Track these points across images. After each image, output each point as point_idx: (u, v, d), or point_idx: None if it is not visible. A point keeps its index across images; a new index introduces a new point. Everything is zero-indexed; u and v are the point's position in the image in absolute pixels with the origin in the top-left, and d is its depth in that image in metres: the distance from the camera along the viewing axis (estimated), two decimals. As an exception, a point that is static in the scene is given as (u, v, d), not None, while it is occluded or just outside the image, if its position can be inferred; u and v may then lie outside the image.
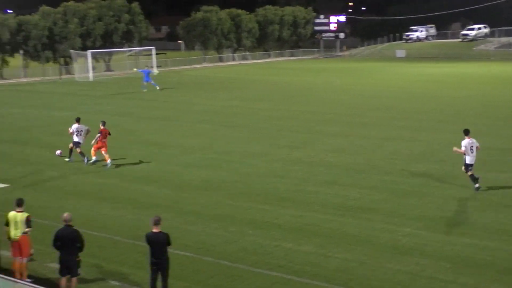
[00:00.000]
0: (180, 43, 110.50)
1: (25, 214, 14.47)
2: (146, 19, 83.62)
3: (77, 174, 24.59)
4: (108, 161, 25.60)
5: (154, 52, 73.01)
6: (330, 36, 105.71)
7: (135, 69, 59.43)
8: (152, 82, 52.07)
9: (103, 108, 42.95)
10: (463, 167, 21.18)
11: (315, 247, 16.39)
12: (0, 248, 14.83)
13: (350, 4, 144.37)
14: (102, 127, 25.94)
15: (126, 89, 55.01)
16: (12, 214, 14.54)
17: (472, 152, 20.84)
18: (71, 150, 26.64)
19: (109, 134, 26.10)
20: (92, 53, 66.88)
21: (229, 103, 44.50)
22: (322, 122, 36.13)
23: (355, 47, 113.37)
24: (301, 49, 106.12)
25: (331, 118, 37.40)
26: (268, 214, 19.21)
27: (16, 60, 71.26)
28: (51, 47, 71.61)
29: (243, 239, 17.10)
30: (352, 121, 36.21)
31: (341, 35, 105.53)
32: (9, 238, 14.58)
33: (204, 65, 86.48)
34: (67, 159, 26.61)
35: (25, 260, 14.47)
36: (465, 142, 20.92)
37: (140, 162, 26.43)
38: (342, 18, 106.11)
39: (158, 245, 13.19)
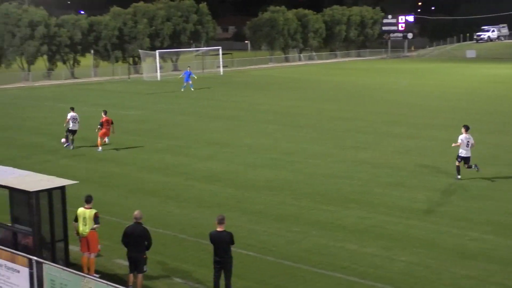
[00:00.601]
0: (246, 43, 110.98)
1: (93, 211, 14.78)
2: (214, 20, 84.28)
3: (142, 172, 24.97)
4: (100, 148, 29.09)
5: (220, 52, 73.57)
6: (398, 36, 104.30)
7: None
8: (191, 82, 53.64)
9: (170, 107, 43.51)
10: (457, 159, 23.05)
11: (380, 249, 16.19)
12: (69, 243, 15.16)
13: (419, 3, 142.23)
14: (104, 116, 29.32)
15: (193, 89, 55.54)
16: (81, 210, 14.88)
17: (467, 147, 22.82)
18: (67, 137, 29.97)
19: (112, 122, 29.46)
20: (160, 53, 67.85)
21: (294, 103, 44.43)
22: (388, 123, 35.67)
23: (423, 47, 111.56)
24: (368, 50, 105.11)
25: (397, 119, 36.88)
26: (332, 215, 19.07)
27: (87, 60, 72.93)
28: (120, 47, 73.01)
29: (306, 240, 17.03)
30: (419, 123, 35.64)
31: (409, 35, 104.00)
32: (77, 233, 14.93)
33: (270, 65, 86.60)
34: (66, 145, 29.88)
35: (92, 255, 14.78)
36: (463, 136, 22.94)
37: (205, 161, 26.65)
38: (411, 18, 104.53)
39: (222, 244, 13.26)
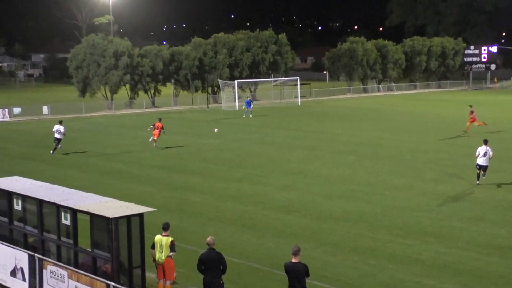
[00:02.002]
0: (325, 73, 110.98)
1: (170, 238, 14.95)
2: (293, 50, 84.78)
3: (219, 200, 25.13)
4: (155, 144, 38.92)
5: (298, 82, 73.82)
6: (480, 67, 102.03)
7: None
8: (251, 110, 57.48)
9: (248, 136, 43.82)
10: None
11: (459, 286, 15.70)
12: (146, 270, 15.36)
13: (503, 34, 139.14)
14: (158, 122, 39.10)
15: (271, 119, 55.88)
16: (158, 237, 15.07)
17: (484, 156, 26.98)
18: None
19: (162, 128, 38.86)
20: (239, 83, 68.63)
21: (373, 134, 43.98)
22: (469, 156, 34.69)
23: (507, 78, 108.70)
24: (448, 81, 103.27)
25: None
26: (410, 249, 18.66)
27: (168, 89, 74.47)
28: (200, 77, 74.27)
29: (382, 273, 16.70)
30: (502, 156, 34.58)
31: (492, 67, 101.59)
32: (154, 260, 15.12)
33: (349, 95, 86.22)
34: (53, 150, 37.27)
35: (168, 283, 14.92)
36: (480, 148, 27.33)
37: (282, 190, 26.62)
38: (494, 49, 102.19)
39: (296, 275, 13.14)
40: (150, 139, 39.60)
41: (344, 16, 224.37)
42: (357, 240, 19.59)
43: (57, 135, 37.62)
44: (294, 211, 23.31)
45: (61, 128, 37.62)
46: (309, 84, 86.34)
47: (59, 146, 37.58)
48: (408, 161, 33.32)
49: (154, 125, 39.19)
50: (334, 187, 27.16)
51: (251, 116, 56.52)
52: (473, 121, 45.04)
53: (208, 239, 14.20)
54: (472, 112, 45.30)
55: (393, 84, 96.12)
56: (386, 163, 32.77)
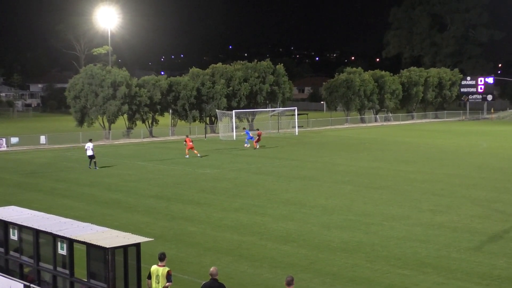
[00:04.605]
0: (322, 103, 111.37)
1: (166, 269, 14.86)
2: (290, 80, 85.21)
3: (216, 230, 25.05)
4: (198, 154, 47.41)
5: (296, 112, 74.04)
6: (477, 98, 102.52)
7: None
8: (250, 139, 57.35)
9: (245, 166, 43.79)
10: None
11: (458, 318, 15.57)
12: (142, 300, 15.24)
13: (499, 65, 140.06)
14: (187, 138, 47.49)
15: (269, 149, 55.91)
16: (154, 268, 14.99)
17: None
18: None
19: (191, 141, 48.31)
20: (236, 112, 68.82)
21: (371, 164, 44.01)
22: (467, 186, 34.81)
23: (503, 109, 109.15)
24: (445, 111, 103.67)
25: (477, 183, 35.94)
26: (408, 280, 18.56)
27: (165, 119, 74.61)
28: (198, 107, 74.47)
29: (381, 305, 16.58)
30: (500, 186, 34.62)
31: (489, 97, 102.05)
32: (150, 291, 15.02)
33: (346, 126, 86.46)
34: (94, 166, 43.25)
35: (164, 313, 14.79)
36: None
37: (279, 221, 26.55)
38: (490, 80, 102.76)
39: (293, 306, 13.06)
40: (188, 155, 48.44)
41: (341, 47, 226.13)
42: (355, 271, 19.50)
43: (89, 152, 43.52)
44: (292, 241, 23.23)
45: (91, 145, 43.63)
46: (307, 114, 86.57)
47: (93, 160, 43.62)
48: (405, 191, 33.29)
49: (186, 142, 49.26)
50: (331, 217, 27.09)
51: (245, 146, 56.68)
52: None
53: (212, 269, 14.15)
54: None
55: (390, 115, 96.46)
56: (384, 193, 32.74)
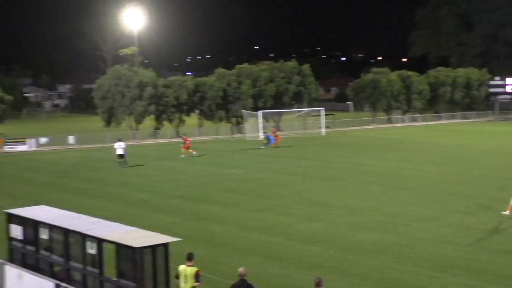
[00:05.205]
0: (348, 104, 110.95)
1: (194, 269, 14.88)
2: (316, 81, 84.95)
3: (244, 231, 25.06)
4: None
5: (323, 113, 73.83)
6: (506, 98, 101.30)
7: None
8: (267, 142, 57.50)
9: (272, 167, 43.78)
10: None
11: (488, 320, 15.41)
12: (170, 300, 15.29)
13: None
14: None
15: (295, 149, 55.84)
16: (182, 267, 15.02)
17: None
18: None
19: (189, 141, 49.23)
20: (263, 113, 68.83)
21: (398, 165, 43.71)
22: (496, 187, 34.40)
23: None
24: (474, 112, 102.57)
25: (506, 184, 35.46)
26: (437, 282, 18.40)
27: (192, 119, 74.86)
28: (224, 107, 74.60)
29: (410, 306, 16.45)
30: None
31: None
32: (178, 291, 15.06)
33: (373, 126, 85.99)
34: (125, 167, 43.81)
35: (193, 313, 14.82)
36: None
37: (306, 221, 26.49)
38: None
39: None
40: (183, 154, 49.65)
41: (368, 47, 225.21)
42: (383, 272, 19.38)
43: (120, 152, 44.25)
44: (319, 242, 23.16)
45: (123, 144, 44.64)
46: (334, 114, 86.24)
47: (125, 159, 44.44)
48: (433, 192, 33.01)
49: (184, 141, 50.29)
50: (359, 218, 26.96)
51: (262, 147, 56.49)
52: None
53: (241, 269, 14.14)
54: None
55: (417, 115, 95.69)
56: (411, 194, 32.50)
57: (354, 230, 24.78)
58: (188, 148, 50.42)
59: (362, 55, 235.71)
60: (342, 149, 55.51)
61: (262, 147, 56.81)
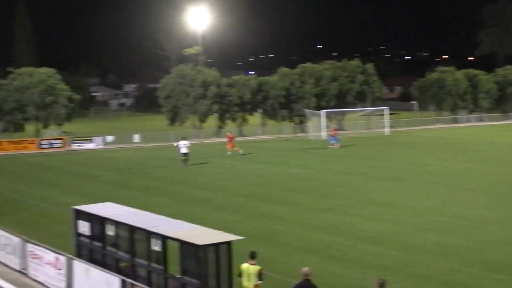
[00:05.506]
0: (412, 103, 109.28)
1: (257, 267, 14.92)
2: (380, 80, 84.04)
3: (305, 230, 24.99)
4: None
5: (387, 112, 72.99)
6: None
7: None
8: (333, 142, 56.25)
9: (334, 167, 43.53)
10: None
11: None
12: (232, 298, 15.38)
13: None
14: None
15: (358, 149, 55.39)
16: (245, 266, 15.08)
17: None
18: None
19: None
20: (326, 112, 68.52)
21: (464, 166, 42.81)
22: None
23: None
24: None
25: None
26: (506, 285, 17.97)
27: (255, 119, 75.12)
28: (287, 106, 74.60)
29: (476, 310, 16.11)
30: None
31: None
32: (241, 289, 15.14)
33: (438, 126, 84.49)
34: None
35: (255, 311, 14.87)
36: None
37: (369, 221, 26.23)
38: None
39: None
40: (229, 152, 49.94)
41: (432, 46, 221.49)
42: (449, 274, 19.01)
43: (184, 150, 44.99)
44: (382, 242, 22.89)
45: (187, 143, 45.56)
46: (397, 114, 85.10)
47: (183, 158, 45.04)
48: (501, 194, 32.18)
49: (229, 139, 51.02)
50: (423, 219, 26.53)
51: (329, 147, 55.74)
52: None
53: (305, 269, 14.11)
54: None
55: (484, 115, 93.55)
56: (478, 195, 31.79)
57: (418, 231, 24.39)
58: (231, 146, 50.84)
59: (427, 54, 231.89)
60: (406, 149, 54.74)
61: (330, 146, 56.06)
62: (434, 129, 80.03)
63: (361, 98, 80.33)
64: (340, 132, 61.04)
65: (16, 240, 20.52)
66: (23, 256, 19.94)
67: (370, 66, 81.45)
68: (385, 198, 31.29)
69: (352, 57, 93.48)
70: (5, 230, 21.84)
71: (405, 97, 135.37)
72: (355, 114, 77.91)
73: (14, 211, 30.59)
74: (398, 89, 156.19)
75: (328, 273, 19.34)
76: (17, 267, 20.33)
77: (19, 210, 30.89)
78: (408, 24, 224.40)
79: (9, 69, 69.25)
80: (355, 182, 36.53)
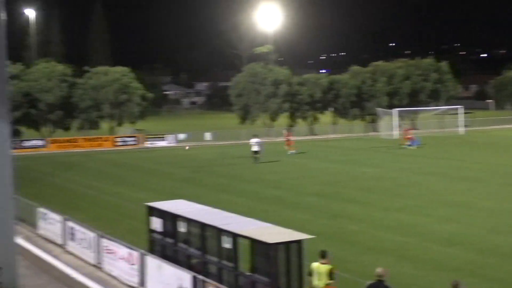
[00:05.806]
0: (488, 102, 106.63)
1: (328, 266, 14.77)
2: (455, 78, 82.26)
3: (377, 230, 24.64)
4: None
5: (461, 111, 71.36)
6: None
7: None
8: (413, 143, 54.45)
9: (407, 166, 42.81)
10: None
11: None
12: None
13: None
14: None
15: (432, 148, 54.32)
16: (315, 265, 14.95)
17: None
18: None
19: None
20: (398, 111, 67.53)
21: (542, 166, 41.41)
22: None
23: None
24: None
25: None
26: None
27: (326, 117, 74.72)
28: (359, 105, 73.91)
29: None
30: None
31: None
32: (311, 288, 15.02)
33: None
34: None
35: (326, 310, 14.72)
36: None
37: (443, 222, 25.65)
38: None
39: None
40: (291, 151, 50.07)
41: (510, 43, 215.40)
42: (527, 278, 18.39)
43: (255, 148, 45.30)
44: (457, 244, 22.34)
45: (259, 140, 46.03)
46: (473, 113, 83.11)
47: (254, 156, 45.19)
48: None
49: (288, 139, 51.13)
50: (500, 221, 25.74)
51: (406, 147, 54.24)
52: None
53: (379, 270, 13.88)
54: None
55: None
56: (558, 197, 30.66)
57: (495, 234, 23.68)
58: (289, 144, 50.92)
59: (504, 51, 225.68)
60: (482, 149, 53.38)
61: (408, 147, 54.20)
62: (511, 128, 77.75)
63: (434, 97, 78.83)
64: (413, 131, 59.84)
65: (91, 235, 20.98)
66: (98, 251, 20.37)
67: (444, 64, 79.84)
68: (459, 199, 30.55)
69: (425, 55, 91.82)
70: (81, 225, 22.38)
71: (481, 96, 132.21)
72: (429, 113, 76.42)
73: (89, 206, 31.32)
74: (473, 88, 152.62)
75: (400, 274, 18.98)
76: (92, 261, 20.80)
77: (94, 205, 31.61)
78: (484, 20, 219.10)
79: (85, 68, 70.97)
80: (428, 182, 35.82)
